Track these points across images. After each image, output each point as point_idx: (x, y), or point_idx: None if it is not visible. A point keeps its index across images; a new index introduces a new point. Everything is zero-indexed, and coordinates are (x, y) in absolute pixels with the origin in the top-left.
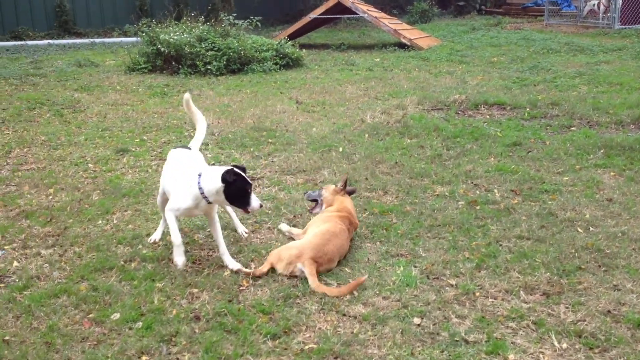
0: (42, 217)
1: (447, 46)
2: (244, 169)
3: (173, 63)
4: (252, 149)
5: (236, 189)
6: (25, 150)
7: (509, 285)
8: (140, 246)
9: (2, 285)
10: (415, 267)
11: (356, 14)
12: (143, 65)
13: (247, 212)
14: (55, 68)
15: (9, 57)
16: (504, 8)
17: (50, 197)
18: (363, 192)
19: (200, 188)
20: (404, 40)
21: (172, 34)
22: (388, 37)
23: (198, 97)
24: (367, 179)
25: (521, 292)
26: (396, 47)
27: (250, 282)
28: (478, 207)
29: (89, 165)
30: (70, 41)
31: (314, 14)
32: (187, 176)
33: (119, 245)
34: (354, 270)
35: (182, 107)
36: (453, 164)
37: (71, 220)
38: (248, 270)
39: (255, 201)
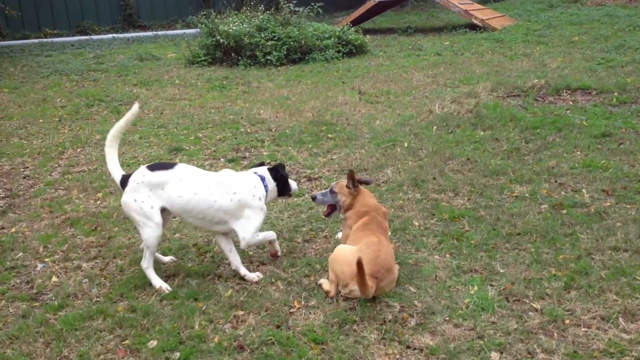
0: (87, 224)
1: (522, 26)
2: (261, 164)
3: (232, 54)
4: (310, 145)
5: (284, 181)
6: (79, 150)
7: (605, 311)
8: (185, 258)
9: (37, 304)
10: (492, 286)
11: None
12: (203, 58)
13: (291, 195)
14: (117, 63)
15: (73, 53)
16: None
17: (99, 202)
18: (430, 194)
19: (265, 190)
20: (475, 21)
21: (231, 25)
22: (458, 18)
23: (257, 90)
24: (435, 178)
25: (620, 320)
26: (467, 29)
27: (302, 303)
28: (564, 212)
29: (141, 166)
30: (134, 34)
31: None
32: (248, 186)
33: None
34: (420, 289)
35: (239, 101)
36: (533, 160)
37: (116, 228)
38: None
39: (294, 184)
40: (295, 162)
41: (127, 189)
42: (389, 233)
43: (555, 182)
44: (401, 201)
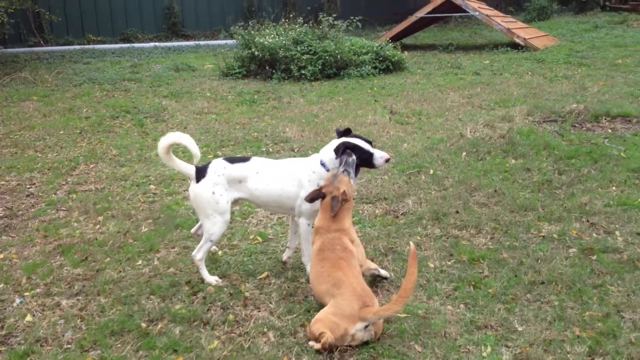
0: (78, 253)
1: (565, 46)
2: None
3: (267, 68)
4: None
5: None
6: (92, 166)
7: None
8: (174, 299)
9: (3, 348)
10: (507, 347)
11: (466, 12)
12: (237, 70)
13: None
14: (152, 72)
15: (111, 60)
16: (630, 4)
17: (98, 227)
18: (451, 230)
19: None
20: (517, 40)
21: (267, 37)
22: (501, 36)
23: (287, 106)
24: (457, 212)
25: None
26: (509, 48)
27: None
28: (594, 258)
29: (151, 186)
30: (175, 44)
31: (421, 13)
32: (307, 171)
33: (151, 297)
34: (426, 348)
35: (267, 117)
36: (565, 194)
37: (108, 259)
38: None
39: (378, 155)
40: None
41: (204, 180)
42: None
43: (587, 221)
44: (419, 237)
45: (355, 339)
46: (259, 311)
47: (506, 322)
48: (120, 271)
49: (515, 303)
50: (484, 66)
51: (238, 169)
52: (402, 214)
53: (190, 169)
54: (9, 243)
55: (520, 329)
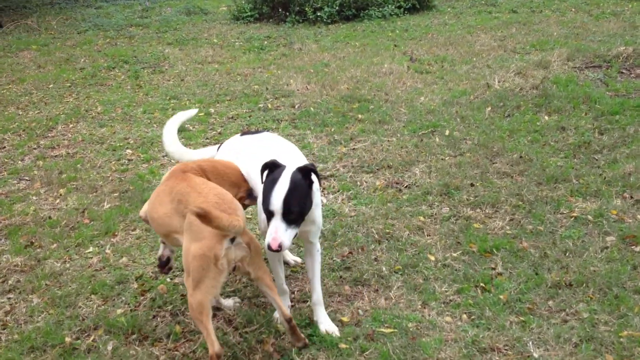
0: (24, 237)
1: None
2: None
3: (280, 10)
4: (332, 129)
5: None
6: (71, 126)
7: None
8: (117, 300)
9: None
10: None
11: None
12: (249, 13)
13: None
14: (162, 17)
15: (124, 4)
16: None
17: (57, 201)
18: (462, 209)
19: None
20: None
21: None
22: None
23: (297, 53)
24: (473, 185)
25: None
26: None
27: None
28: (637, 249)
29: (127, 151)
30: None
31: None
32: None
33: (91, 297)
34: None
35: (272, 66)
36: (605, 161)
37: (55, 245)
38: None
39: None
40: (309, 151)
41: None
42: None
43: (631, 197)
44: (422, 219)
45: (229, 260)
46: (214, 320)
47: (519, 343)
48: (66, 261)
49: (532, 315)
50: (523, 2)
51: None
52: (406, 186)
53: (212, 150)
54: None
55: (536, 354)
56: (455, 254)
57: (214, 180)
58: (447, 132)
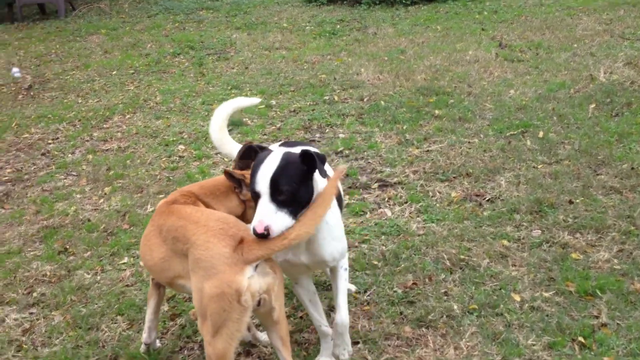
0: (59, 241)
1: None
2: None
3: None
4: (404, 127)
5: None
6: (127, 117)
7: None
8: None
9: None
10: None
11: None
12: None
13: None
14: (233, 0)
15: None
16: None
17: (100, 202)
18: (557, 233)
19: None
20: None
21: None
22: None
23: (371, 39)
24: (571, 202)
25: None
26: None
27: None
28: None
29: (180, 147)
30: None
31: None
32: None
33: (117, 318)
34: None
35: (343, 53)
36: None
37: (89, 252)
38: None
39: None
40: (375, 153)
41: None
42: None
43: None
44: (506, 243)
45: (253, 293)
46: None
47: None
48: (97, 272)
49: None
50: None
51: None
52: (488, 200)
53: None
54: None
55: None
56: (546, 294)
57: (211, 200)
58: (540, 134)
